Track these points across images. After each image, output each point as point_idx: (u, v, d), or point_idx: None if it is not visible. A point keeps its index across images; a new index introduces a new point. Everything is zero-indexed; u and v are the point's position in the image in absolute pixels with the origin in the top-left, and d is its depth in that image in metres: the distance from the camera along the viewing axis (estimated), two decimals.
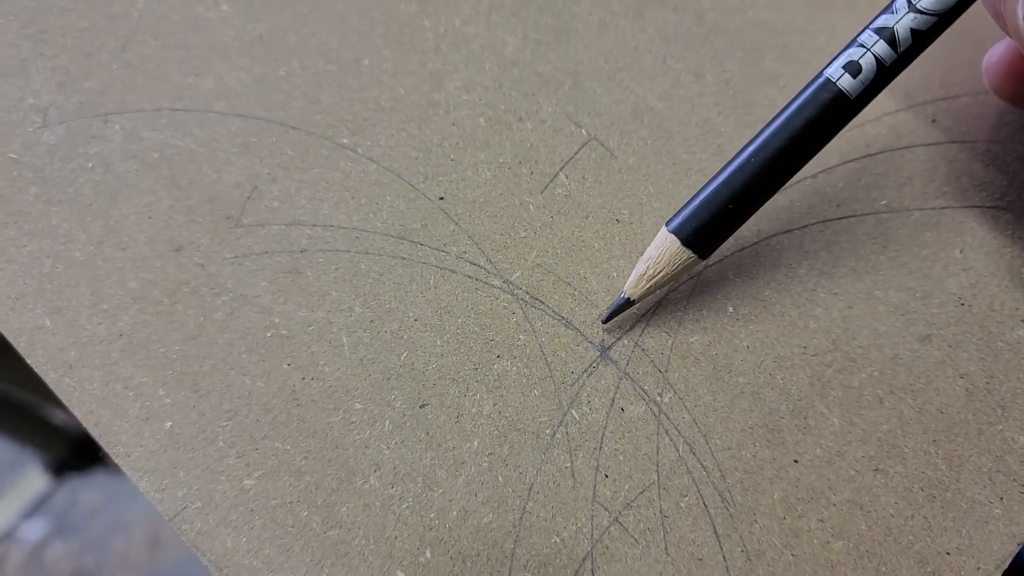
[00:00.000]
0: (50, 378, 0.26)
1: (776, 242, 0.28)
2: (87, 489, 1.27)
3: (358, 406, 0.26)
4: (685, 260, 0.25)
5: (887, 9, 0.24)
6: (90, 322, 0.27)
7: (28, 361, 0.26)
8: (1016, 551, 0.25)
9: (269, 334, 0.27)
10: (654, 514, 0.25)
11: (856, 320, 0.27)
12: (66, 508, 1.26)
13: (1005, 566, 0.25)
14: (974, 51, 0.30)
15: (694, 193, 0.25)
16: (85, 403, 0.26)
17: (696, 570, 0.25)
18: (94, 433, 0.26)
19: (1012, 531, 0.25)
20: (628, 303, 0.26)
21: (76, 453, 0.74)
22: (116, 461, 0.26)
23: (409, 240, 0.28)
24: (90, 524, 1.25)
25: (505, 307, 0.27)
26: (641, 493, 0.25)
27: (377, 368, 0.26)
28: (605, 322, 0.26)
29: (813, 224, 0.28)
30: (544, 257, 0.28)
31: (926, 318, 0.27)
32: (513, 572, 0.25)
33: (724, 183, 0.25)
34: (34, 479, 0.80)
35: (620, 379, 0.26)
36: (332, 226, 0.28)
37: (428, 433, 0.26)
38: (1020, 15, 0.22)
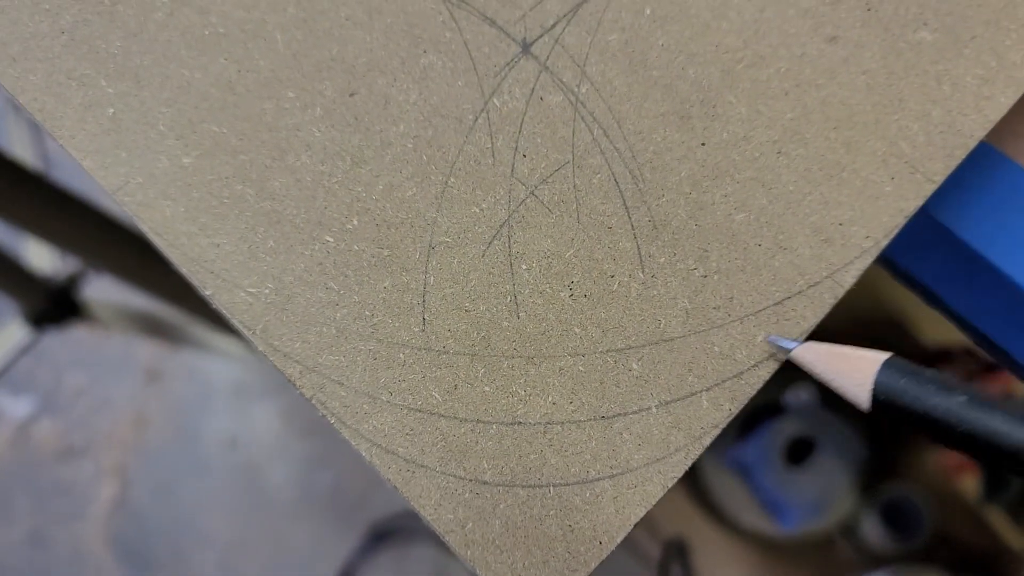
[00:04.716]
0: None
1: None
2: (72, 368, 1.29)
3: (290, 94, 0.27)
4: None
5: None
6: (32, 20, 0.28)
7: None
8: (903, 223, 0.27)
9: (207, 32, 0.28)
10: (568, 188, 0.27)
11: (767, 23, 0.28)
12: (51, 387, 1.29)
13: (892, 236, 0.27)
14: None
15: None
16: (28, 91, 0.27)
17: (605, 236, 0.26)
18: (39, 119, 0.27)
19: (900, 206, 0.27)
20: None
21: (54, 305, 0.76)
22: (60, 143, 0.27)
23: None
24: (76, 403, 1.28)
25: (432, 7, 0.28)
26: (557, 171, 0.27)
27: (309, 62, 0.28)
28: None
29: None
30: None
31: (834, 21, 0.28)
32: (434, 237, 0.26)
33: None
34: (13, 331, 0.82)
35: (540, 72, 0.28)
36: None
37: (357, 118, 0.27)
38: None
